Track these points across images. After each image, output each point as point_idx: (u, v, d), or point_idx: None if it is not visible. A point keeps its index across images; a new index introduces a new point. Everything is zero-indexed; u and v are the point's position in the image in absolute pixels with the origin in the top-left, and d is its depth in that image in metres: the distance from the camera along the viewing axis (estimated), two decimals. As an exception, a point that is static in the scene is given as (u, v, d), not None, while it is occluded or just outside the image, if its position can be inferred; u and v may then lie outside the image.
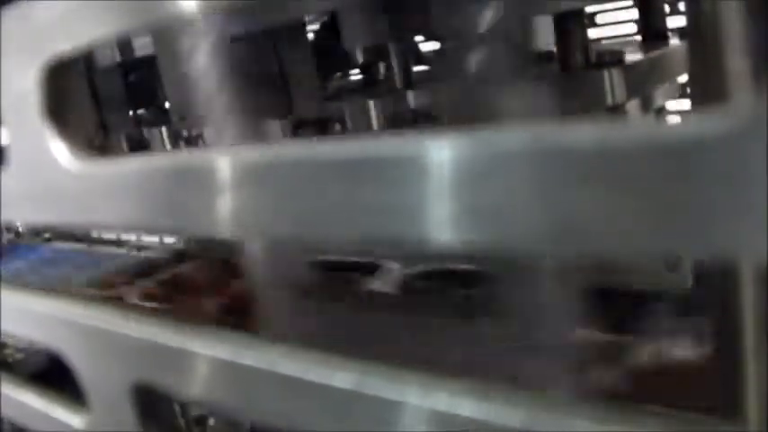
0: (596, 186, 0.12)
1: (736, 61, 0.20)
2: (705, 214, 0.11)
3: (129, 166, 0.23)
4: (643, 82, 0.36)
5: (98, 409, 0.29)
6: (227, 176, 0.19)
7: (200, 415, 0.37)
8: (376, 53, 0.43)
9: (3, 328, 0.35)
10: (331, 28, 0.44)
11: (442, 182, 0.14)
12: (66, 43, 0.23)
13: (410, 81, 0.42)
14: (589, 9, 0.51)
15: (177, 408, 0.28)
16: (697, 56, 0.23)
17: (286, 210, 0.18)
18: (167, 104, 0.51)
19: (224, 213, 0.19)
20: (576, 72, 0.35)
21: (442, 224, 0.15)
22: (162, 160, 0.22)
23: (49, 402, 0.34)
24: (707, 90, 0.23)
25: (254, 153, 0.19)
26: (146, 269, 0.60)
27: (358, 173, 0.16)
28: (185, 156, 0.22)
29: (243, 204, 0.19)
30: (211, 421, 0.38)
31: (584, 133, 0.12)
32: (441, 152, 0.14)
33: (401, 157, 0.15)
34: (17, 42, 0.25)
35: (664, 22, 0.43)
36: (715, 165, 0.11)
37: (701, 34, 0.22)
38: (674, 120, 0.12)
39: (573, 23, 0.35)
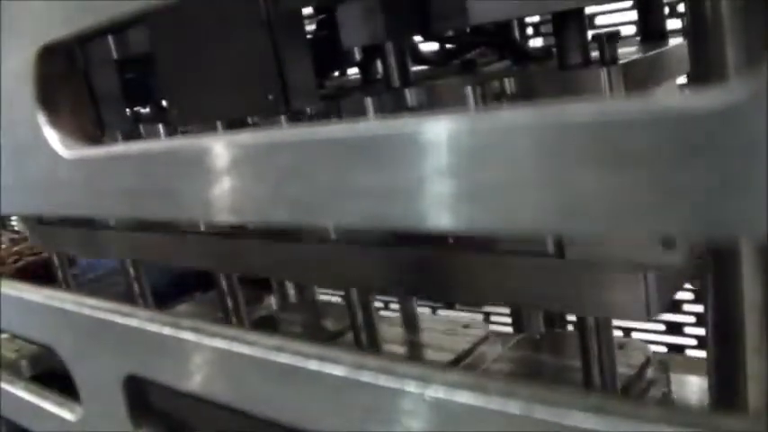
0: (595, 163, 0.12)
1: (735, 51, 0.19)
2: (704, 191, 0.11)
3: (121, 152, 0.23)
4: (642, 80, 0.36)
5: (90, 402, 0.29)
6: (222, 161, 0.19)
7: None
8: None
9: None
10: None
11: (440, 162, 0.14)
12: (60, 31, 0.23)
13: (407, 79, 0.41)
14: (589, 10, 0.51)
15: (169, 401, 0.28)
16: (698, 48, 0.23)
17: (280, 193, 0.17)
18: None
19: (219, 198, 0.19)
20: (574, 70, 0.35)
21: (441, 204, 0.14)
22: (155, 146, 0.22)
23: (41, 397, 0.33)
24: (707, 81, 0.23)
25: (247, 138, 0.18)
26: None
27: (355, 154, 0.16)
28: (179, 142, 0.22)
29: (237, 189, 0.19)
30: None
31: (582, 110, 0.12)
32: (438, 133, 0.14)
33: (398, 138, 0.15)
34: (12, 30, 0.25)
35: (663, 23, 0.43)
36: (712, 139, 0.11)
37: (701, 27, 0.22)
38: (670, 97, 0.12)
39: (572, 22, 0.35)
